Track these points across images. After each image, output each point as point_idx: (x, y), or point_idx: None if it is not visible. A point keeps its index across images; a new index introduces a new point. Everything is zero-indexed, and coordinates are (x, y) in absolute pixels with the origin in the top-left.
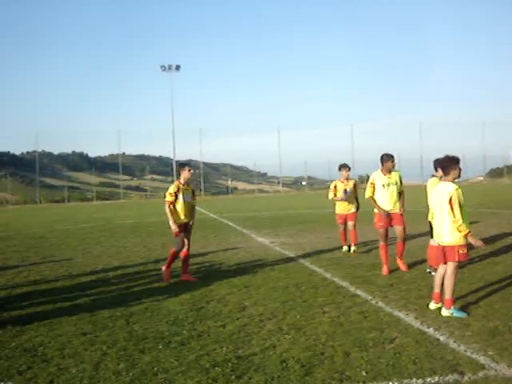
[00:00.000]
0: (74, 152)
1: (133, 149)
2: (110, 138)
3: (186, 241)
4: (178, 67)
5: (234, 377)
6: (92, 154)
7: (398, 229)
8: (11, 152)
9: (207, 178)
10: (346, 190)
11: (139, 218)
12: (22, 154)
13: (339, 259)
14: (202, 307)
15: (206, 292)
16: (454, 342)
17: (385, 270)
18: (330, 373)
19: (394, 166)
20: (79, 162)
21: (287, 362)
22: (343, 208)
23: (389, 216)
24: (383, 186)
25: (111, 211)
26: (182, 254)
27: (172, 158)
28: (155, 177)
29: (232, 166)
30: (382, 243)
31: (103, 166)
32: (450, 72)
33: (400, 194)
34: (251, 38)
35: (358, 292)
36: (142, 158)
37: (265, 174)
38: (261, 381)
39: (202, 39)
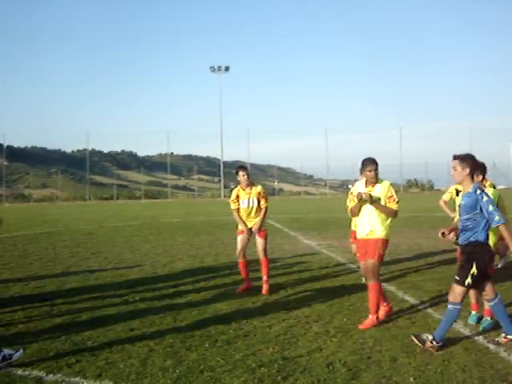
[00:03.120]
0: (123, 151)
1: (181, 149)
2: (158, 137)
3: (240, 246)
4: (227, 68)
5: (280, 378)
6: (141, 153)
7: (368, 262)
8: (62, 150)
9: (254, 180)
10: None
11: (186, 217)
12: (73, 151)
13: (387, 264)
14: (249, 307)
15: (252, 292)
16: (505, 351)
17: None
18: (376, 377)
19: (374, 176)
20: (128, 160)
21: (333, 365)
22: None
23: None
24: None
25: (159, 210)
26: (240, 265)
27: (219, 158)
28: (202, 177)
29: (278, 168)
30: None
31: (151, 165)
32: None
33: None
34: (300, 38)
35: (406, 297)
36: (189, 158)
37: (311, 176)
38: (307, 383)
39: (252, 40)
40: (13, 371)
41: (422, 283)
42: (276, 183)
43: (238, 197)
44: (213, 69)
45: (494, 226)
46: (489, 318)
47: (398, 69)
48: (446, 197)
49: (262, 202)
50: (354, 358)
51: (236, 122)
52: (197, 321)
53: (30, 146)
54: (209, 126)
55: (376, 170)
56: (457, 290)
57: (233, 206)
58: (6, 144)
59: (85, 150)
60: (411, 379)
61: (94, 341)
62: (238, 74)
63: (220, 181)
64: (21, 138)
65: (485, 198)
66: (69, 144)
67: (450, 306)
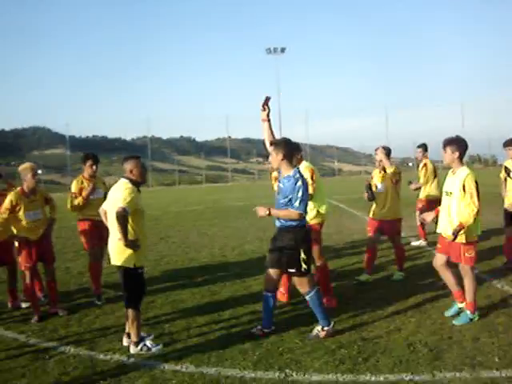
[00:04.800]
0: (181, 137)
1: (239, 132)
2: (216, 122)
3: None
4: (283, 49)
5: (360, 359)
6: (199, 139)
7: None
8: (122, 138)
9: (312, 160)
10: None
11: (249, 200)
12: (133, 139)
13: None
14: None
15: None
16: None
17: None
18: (460, 358)
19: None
20: (187, 146)
21: (414, 346)
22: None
23: None
24: None
25: (221, 193)
26: None
27: None
28: (261, 160)
29: (337, 148)
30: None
31: (210, 149)
32: None
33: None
34: (356, 17)
35: (484, 276)
36: (247, 141)
37: (370, 155)
38: (389, 364)
39: (307, 19)
40: (95, 356)
41: (496, 262)
42: (336, 163)
43: None
44: (269, 50)
45: None
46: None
47: (455, 42)
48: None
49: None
50: (435, 338)
51: (293, 103)
52: None
53: (91, 136)
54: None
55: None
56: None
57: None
58: (68, 134)
59: (145, 137)
60: (496, 359)
61: (171, 324)
62: (294, 55)
63: None
64: (82, 127)
65: None
66: (129, 132)
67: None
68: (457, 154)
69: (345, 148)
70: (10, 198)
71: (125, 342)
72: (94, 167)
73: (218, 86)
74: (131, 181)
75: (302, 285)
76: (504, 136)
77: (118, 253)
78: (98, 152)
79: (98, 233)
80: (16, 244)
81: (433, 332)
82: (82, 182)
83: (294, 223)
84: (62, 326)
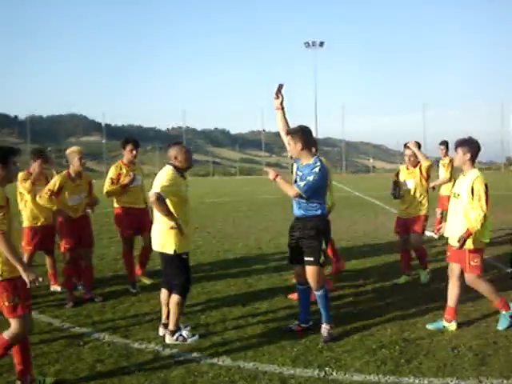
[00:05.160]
0: (216, 128)
1: (272, 126)
2: (251, 115)
3: None
4: (321, 43)
5: (403, 360)
6: (233, 131)
7: None
8: (157, 127)
9: (346, 156)
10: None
11: (283, 194)
12: (168, 129)
13: (498, 243)
14: (361, 285)
15: (362, 270)
16: None
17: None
18: (507, 364)
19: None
20: (221, 138)
21: (458, 350)
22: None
23: None
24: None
25: (255, 186)
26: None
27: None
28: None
29: (369, 144)
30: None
31: (243, 142)
32: None
33: None
34: (394, 12)
35: None
36: (280, 135)
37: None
38: (432, 367)
39: (346, 14)
40: (129, 344)
41: None
42: (371, 160)
43: None
44: (307, 44)
45: None
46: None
47: (500, 42)
48: None
49: None
50: (479, 342)
51: (330, 98)
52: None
53: (126, 125)
54: (302, 103)
55: None
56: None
57: None
58: (104, 122)
59: (179, 127)
60: None
61: (206, 315)
62: (332, 49)
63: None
64: (118, 116)
65: None
66: (164, 122)
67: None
68: (468, 155)
69: (378, 145)
70: (55, 180)
71: (161, 331)
72: (134, 152)
73: (253, 78)
74: (175, 167)
75: (314, 277)
76: None
77: (158, 238)
78: None
79: (135, 220)
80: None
81: (477, 336)
82: (121, 168)
83: (316, 212)
84: (96, 312)
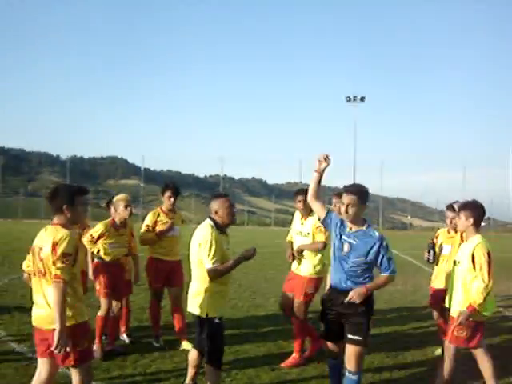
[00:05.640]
0: (253, 178)
1: (309, 178)
2: (289, 166)
3: None
4: (362, 98)
5: None
6: (270, 181)
7: (294, 302)
8: (196, 174)
9: (383, 213)
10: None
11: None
12: (206, 176)
13: None
14: (399, 354)
15: (401, 334)
16: None
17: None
18: None
19: (303, 208)
20: (258, 187)
21: None
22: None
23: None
24: (296, 233)
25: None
26: None
27: None
28: (330, 208)
29: (407, 202)
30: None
31: (280, 193)
32: None
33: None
34: (435, 71)
35: None
36: None
37: (441, 211)
38: None
39: (387, 70)
40: None
41: None
42: (409, 217)
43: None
44: (348, 99)
45: None
46: None
47: None
48: None
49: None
50: None
51: (369, 153)
52: None
53: (165, 170)
54: (341, 157)
55: (305, 201)
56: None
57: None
58: (143, 166)
59: (217, 175)
60: None
61: (232, 378)
62: (372, 105)
63: None
64: (157, 161)
65: None
66: (202, 169)
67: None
68: (471, 220)
69: (416, 202)
70: (99, 226)
71: None
72: (172, 199)
73: (293, 129)
74: (215, 223)
75: (357, 358)
76: None
77: (190, 297)
78: None
79: (165, 273)
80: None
81: None
82: (159, 216)
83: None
84: (116, 366)
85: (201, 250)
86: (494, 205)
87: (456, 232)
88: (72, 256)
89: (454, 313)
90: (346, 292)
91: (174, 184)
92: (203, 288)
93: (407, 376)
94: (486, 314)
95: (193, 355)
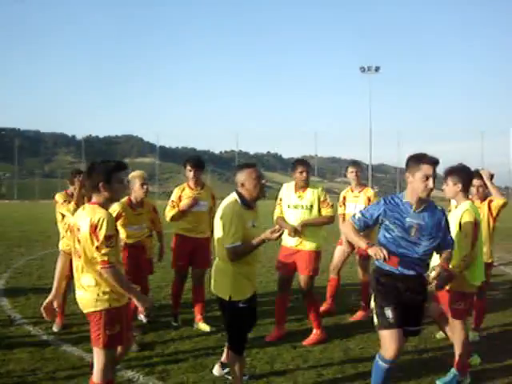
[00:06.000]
0: (268, 152)
1: (325, 151)
2: (304, 139)
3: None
4: (377, 68)
5: None
6: (285, 155)
7: (300, 278)
8: (211, 150)
9: (401, 184)
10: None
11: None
12: (221, 152)
13: None
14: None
15: None
16: None
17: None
18: None
19: (306, 179)
20: (273, 162)
21: None
22: None
23: (288, 255)
24: (289, 206)
25: None
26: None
27: (364, 161)
28: (346, 180)
29: None
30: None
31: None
32: None
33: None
34: (452, 37)
35: None
36: (333, 160)
37: None
38: None
39: (402, 40)
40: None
41: None
42: None
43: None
44: (363, 69)
45: None
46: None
47: None
48: None
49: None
50: None
51: (385, 124)
52: (367, 342)
53: (180, 147)
54: (356, 128)
55: (308, 172)
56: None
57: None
58: (159, 144)
59: (232, 151)
60: None
61: (253, 358)
62: (388, 74)
63: (366, 185)
64: (173, 138)
65: None
66: (217, 145)
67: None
68: (459, 185)
69: None
70: (114, 207)
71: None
72: (193, 173)
73: (307, 102)
74: (241, 197)
75: (400, 347)
76: None
77: (214, 277)
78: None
79: (189, 251)
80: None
81: None
82: (184, 190)
83: None
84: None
85: (221, 227)
86: None
87: (482, 201)
88: (114, 236)
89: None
90: (410, 279)
91: (195, 157)
92: (226, 268)
93: (412, 361)
94: (473, 283)
95: None
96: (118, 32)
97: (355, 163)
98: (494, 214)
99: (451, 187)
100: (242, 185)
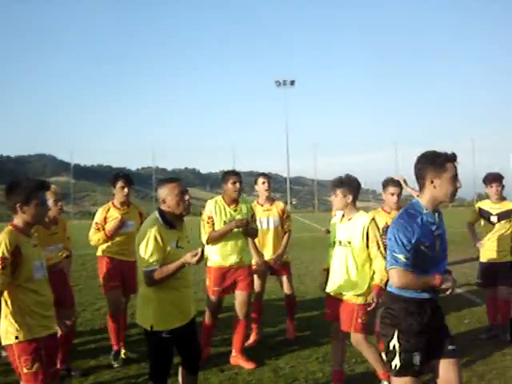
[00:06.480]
0: (186, 168)
1: (243, 165)
2: (222, 154)
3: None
4: (292, 82)
5: None
6: (204, 170)
7: (238, 295)
8: (127, 167)
9: (319, 196)
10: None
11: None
12: (138, 169)
13: None
14: None
15: None
16: None
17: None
18: None
19: (237, 192)
20: (191, 177)
21: None
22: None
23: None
24: (225, 223)
25: None
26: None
27: (283, 174)
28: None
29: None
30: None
31: (214, 182)
32: None
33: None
34: (365, 50)
35: None
36: (251, 174)
37: (374, 191)
38: None
39: (317, 53)
40: None
41: None
42: None
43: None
44: (278, 83)
45: None
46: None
47: (471, 79)
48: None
49: (287, 223)
50: None
51: (301, 138)
52: (298, 361)
53: (96, 164)
54: (274, 142)
55: (237, 182)
56: None
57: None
58: (73, 162)
59: (149, 167)
60: None
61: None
62: (303, 88)
63: (283, 198)
64: (87, 156)
65: None
66: (134, 162)
67: None
68: (350, 197)
69: None
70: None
71: None
72: (126, 190)
73: (223, 116)
74: (163, 215)
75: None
76: None
77: (138, 307)
78: (102, 181)
79: (121, 274)
80: None
81: None
82: (109, 211)
83: None
84: None
85: (138, 249)
86: None
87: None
88: (7, 260)
89: (350, 298)
90: (429, 301)
91: (126, 173)
92: (149, 294)
93: None
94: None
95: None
96: (14, 46)
97: (265, 174)
98: None
99: (341, 199)
100: (164, 201)
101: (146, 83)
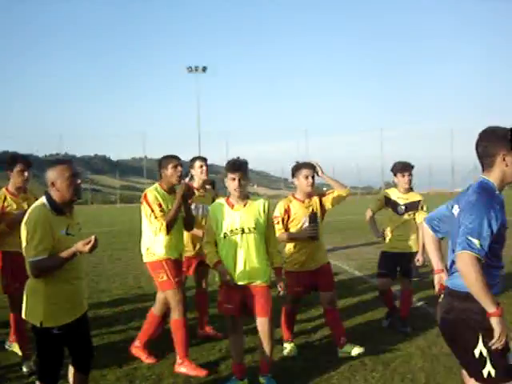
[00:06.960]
0: (96, 155)
1: (155, 152)
2: (133, 140)
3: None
4: (204, 68)
5: None
6: (114, 157)
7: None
8: (34, 154)
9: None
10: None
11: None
12: (45, 156)
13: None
14: None
15: None
16: None
17: None
18: None
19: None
20: (102, 164)
21: None
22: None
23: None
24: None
25: (136, 214)
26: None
27: None
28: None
29: (252, 171)
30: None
31: (125, 169)
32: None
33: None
34: (280, 39)
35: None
36: None
37: (286, 179)
38: None
39: (230, 40)
40: None
41: None
42: (255, 187)
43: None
44: (190, 69)
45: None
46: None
47: (379, 68)
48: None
49: None
50: None
51: (214, 125)
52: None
53: (1, 151)
54: (186, 129)
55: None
56: None
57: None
58: None
59: (57, 154)
60: None
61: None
62: (216, 75)
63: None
64: None
65: None
66: (41, 148)
67: None
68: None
69: (260, 171)
70: None
71: None
72: (26, 174)
73: (135, 103)
74: (50, 201)
75: None
76: (421, 163)
77: (24, 301)
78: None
79: (21, 271)
80: None
81: None
82: (5, 199)
83: None
84: None
85: (24, 237)
86: (336, 172)
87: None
88: None
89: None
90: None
91: (25, 156)
92: (37, 287)
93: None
94: None
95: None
96: None
97: (203, 157)
98: (329, 207)
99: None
100: (53, 184)
101: (51, 68)
